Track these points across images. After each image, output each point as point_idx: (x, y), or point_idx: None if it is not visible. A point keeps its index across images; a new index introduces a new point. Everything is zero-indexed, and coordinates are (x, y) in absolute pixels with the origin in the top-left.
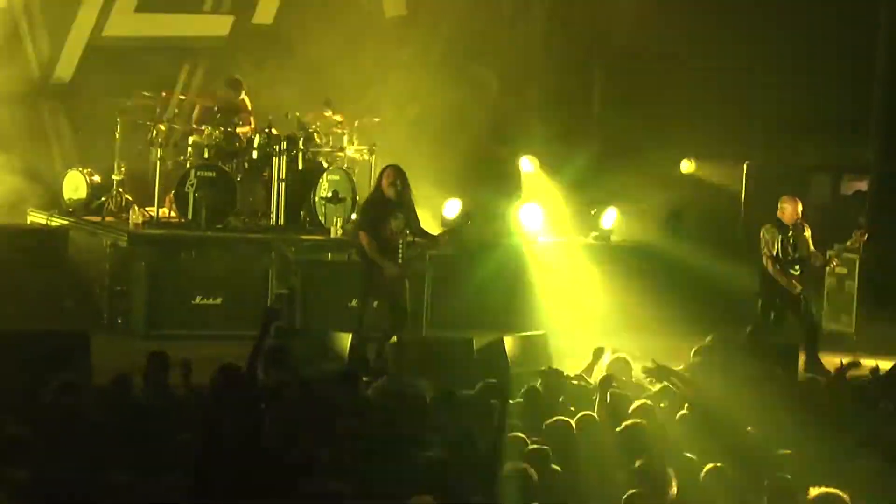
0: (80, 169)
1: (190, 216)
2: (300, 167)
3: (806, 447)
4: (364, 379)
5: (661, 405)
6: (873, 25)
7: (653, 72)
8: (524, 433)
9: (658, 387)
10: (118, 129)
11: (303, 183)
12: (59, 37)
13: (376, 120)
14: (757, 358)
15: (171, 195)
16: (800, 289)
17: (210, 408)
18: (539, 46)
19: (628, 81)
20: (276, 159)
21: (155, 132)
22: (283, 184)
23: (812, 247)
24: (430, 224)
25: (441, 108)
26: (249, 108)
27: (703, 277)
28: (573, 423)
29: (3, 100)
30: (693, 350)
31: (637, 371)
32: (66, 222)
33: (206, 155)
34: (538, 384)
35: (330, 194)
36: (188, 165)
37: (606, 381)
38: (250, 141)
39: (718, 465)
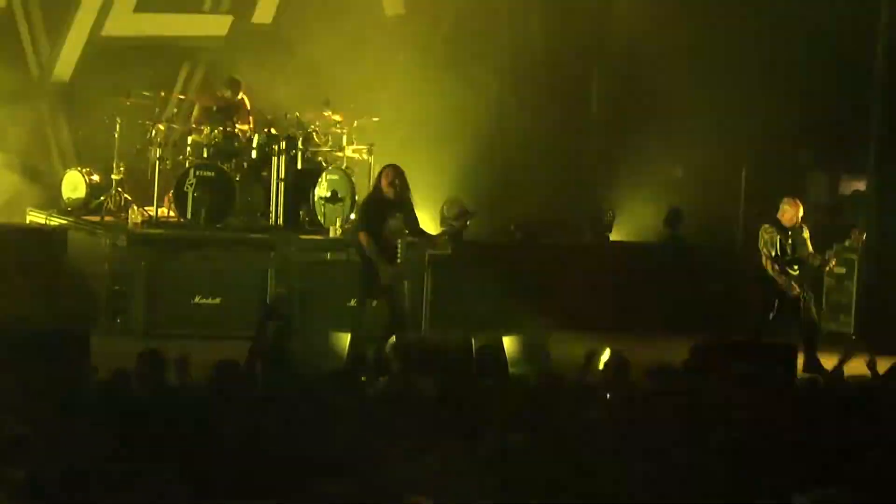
0: (79, 168)
1: (189, 216)
2: (299, 167)
3: None
4: (363, 378)
5: None
6: (872, 25)
7: (652, 71)
8: None
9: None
10: (117, 129)
11: (302, 183)
12: (58, 36)
13: (375, 120)
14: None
15: (170, 195)
16: (798, 289)
17: (208, 405)
18: (538, 46)
19: (627, 81)
20: (275, 159)
21: (154, 132)
22: (283, 183)
23: (811, 247)
24: (428, 224)
25: (440, 107)
26: (248, 107)
27: (702, 277)
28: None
29: (2, 99)
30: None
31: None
32: (65, 222)
33: (205, 155)
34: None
35: (329, 194)
36: (187, 165)
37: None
38: (249, 141)
39: None
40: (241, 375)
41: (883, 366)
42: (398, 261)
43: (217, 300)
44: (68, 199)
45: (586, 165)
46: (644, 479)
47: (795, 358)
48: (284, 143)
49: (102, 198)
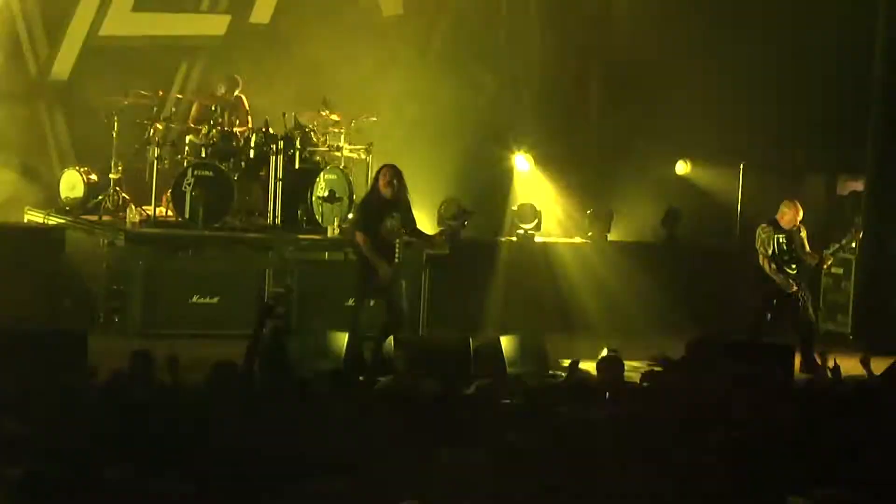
0: (77, 168)
1: (187, 215)
2: (297, 166)
3: None
4: (360, 378)
5: None
6: (870, 25)
7: (650, 71)
8: None
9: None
10: (115, 128)
11: (300, 182)
12: (57, 36)
13: (373, 119)
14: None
15: (168, 194)
16: (795, 288)
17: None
18: (536, 45)
19: (625, 81)
20: (273, 158)
21: (152, 131)
22: (280, 183)
23: (808, 247)
24: (426, 224)
25: (438, 107)
26: (247, 107)
27: (700, 277)
28: None
29: (0, 98)
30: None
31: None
32: (62, 221)
33: (203, 154)
34: None
35: (327, 194)
36: (185, 164)
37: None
38: (247, 140)
39: None
40: (238, 376)
41: (882, 366)
42: (396, 260)
43: (215, 300)
44: (66, 198)
45: (585, 165)
46: (643, 479)
47: (793, 358)
48: (282, 142)
49: (100, 197)
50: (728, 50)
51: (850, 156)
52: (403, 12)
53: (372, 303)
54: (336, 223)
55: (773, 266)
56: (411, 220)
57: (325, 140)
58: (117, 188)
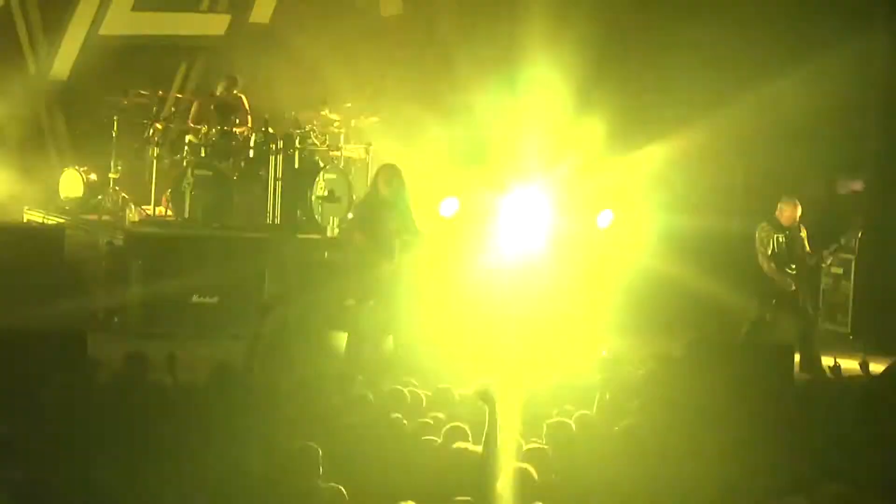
0: (77, 167)
1: (186, 215)
2: (297, 166)
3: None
4: (360, 378)
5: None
6: (871, 24)
7: (650, 71)
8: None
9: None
10: (115, 128)
11: (299, 182)
12: (56, 35)
13: (373, 119)
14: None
15: (168, 194)
16: (795, 287)
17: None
18: (535, 45)
19: (626, 80)
20: (272, 158)
21: (152, 131)
22: (280, 183)
23: (808, 246)
24: (425, 223)
25: (437, 107)
26: (246, 106)
27: (699, 277)
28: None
29: (0, 98)
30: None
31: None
32: (62, 221)
33: (202, 154)
34: None
35: (326, 193)
36: (185, 164)
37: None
38: (247, 140)
39: None
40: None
41: (881, 365)
42: (394, 260)
43: (214, 299)
44: (66, 197)
45: (585, 165)
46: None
47: (792, 357)
48: (282, 142)
49: (100, 196)
50: (729, 49)
51: (850, 155)
52: (402, 12)
53: (371, 303)
54: (335, 223)
55: (773, 265)
56: (410, 220)
57: (325, 139)
58: (117, 188)
